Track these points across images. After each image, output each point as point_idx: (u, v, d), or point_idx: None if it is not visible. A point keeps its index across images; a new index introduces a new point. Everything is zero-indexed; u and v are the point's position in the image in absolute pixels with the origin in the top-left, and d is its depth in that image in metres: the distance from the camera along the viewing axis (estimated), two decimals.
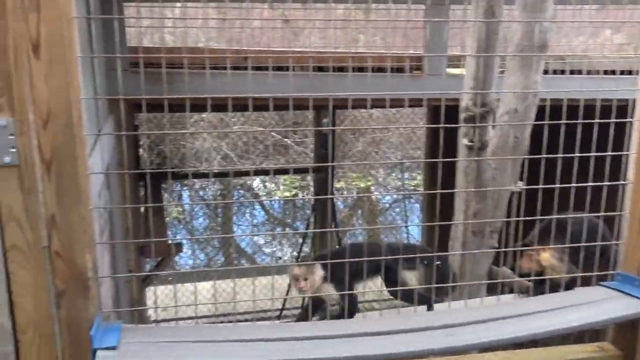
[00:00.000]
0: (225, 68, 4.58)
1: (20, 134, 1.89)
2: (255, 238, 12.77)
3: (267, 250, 12.69)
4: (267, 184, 13.44)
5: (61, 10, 1.86)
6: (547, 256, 3.00)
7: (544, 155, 2.67)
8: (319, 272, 2.84)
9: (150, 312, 7.29)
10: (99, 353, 2.03)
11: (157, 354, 2.11)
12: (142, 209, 6.54)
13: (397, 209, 13.82)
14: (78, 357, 2.09)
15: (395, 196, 13.86)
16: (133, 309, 2.31)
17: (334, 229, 8.28)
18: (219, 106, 6.49)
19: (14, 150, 1.90)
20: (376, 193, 13.85)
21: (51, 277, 2.02)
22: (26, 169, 1.93)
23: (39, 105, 1.89)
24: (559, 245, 2.93)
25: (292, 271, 2.83)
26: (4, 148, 1.89)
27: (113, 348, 2.07)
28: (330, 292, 2.82)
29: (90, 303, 2.08)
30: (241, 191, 13.23)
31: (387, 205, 14.49)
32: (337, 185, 13.18)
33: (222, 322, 2.60)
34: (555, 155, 2.66)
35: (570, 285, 2.95)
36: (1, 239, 1.96)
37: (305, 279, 2.78)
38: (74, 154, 1.95)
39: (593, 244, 2.86)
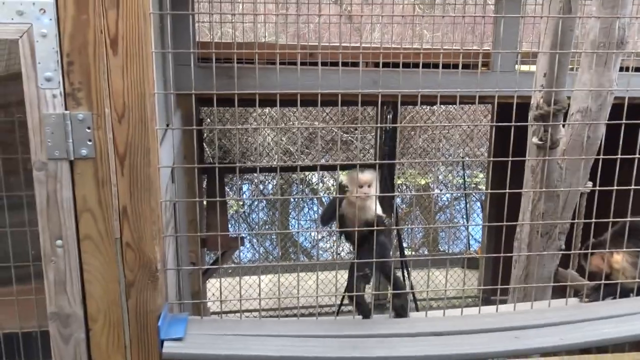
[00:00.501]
0: (288, 63, 4.61)
1: (97, 127, 1.95)
2: (313, 233, 12.82)
3: (324, 245, 12.71)
4: (325, 179, 13.46)
5: (139, 6, 1.90)
6: (619, 259, 2.90)
7: (619, 156, 2.58)
8: (376, 182, 2.69)
9: (210, 303, 7.42)
10: (166, 344, 2.08)
11: (223, 347, 2.14)
12: (205, 202, 6.65)
13: (458, 207, 13.62)
14: (145, 346, 2.15)
15: (455, 194, 13.67)
16: (197, 301, 2.34)
17: (393, 227, 8.22)
18: (284, 101, 6.53)
19: (91, 143, 1.96)
20: (437, 190, 13.69)
21: (122, 267, 2.08)
22: (101, 162, 1.99)
23: (116, 99, 1.94)
24: (634, 249, 2.82)
25: (359, 176, 2.62)
26: (81, 141, 1.94)
27: (179, 339, 2.11)
28: (378, 207, 2.64)
29: (158, 294, 2.13)
30: (300, 186, 13.29)
31: (447, 203, 14.31)
32: (398, 181, 13.09)
33: (285, 316, 2.60)
34: (629, 156, 2.57)
35: (625, 293, 2.86)
36: (76, 229, 2.03)
37: (369, 186, 2.62)
38: (146, 147, 2.00)
39: None
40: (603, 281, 2.81)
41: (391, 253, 2.74)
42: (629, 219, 2.70)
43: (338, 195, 2.68)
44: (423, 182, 13.60)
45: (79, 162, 1.97)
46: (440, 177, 13.83)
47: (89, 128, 1.94)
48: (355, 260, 2.60)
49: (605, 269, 2.89)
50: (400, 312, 2.64)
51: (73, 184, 1.99)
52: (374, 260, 2.51)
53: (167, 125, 2.94)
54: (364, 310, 2.59)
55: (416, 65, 4.56)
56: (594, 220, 2.77)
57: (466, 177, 12.23)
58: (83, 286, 2.09)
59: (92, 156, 1.97)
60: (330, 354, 2.19)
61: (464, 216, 12.44)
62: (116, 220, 2.05)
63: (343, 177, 2.76)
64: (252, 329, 2.32)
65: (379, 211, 2.64)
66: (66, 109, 1.93)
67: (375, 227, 2.57)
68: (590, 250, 2.95)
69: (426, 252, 12.24)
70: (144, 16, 1.92)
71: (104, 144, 1.97)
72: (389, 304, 2.65)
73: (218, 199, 2.54)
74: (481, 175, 13.16)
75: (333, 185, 12.70)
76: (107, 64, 1.91)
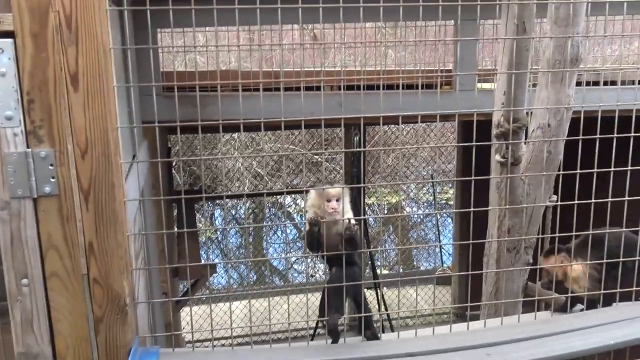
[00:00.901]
0: (256, 90, 4.65)
1: (60, 164, 1.94)
2: (288, 256, 12.79)
3: (299, 267, 12.69)
4: (298, 201, 13.48)
5: (99, 42, 1.91)
6: (578, 268, 2.93)
7: (579, 171, 2.64)
8: (348, 197, 2.65)
9: (185, 333, 7.34)
10: None
11: None
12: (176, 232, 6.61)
13: (429, 224, 13.73)
14: None
15: (426, 211, 13.78)
16: (169, 333, 2.32)
17: (365, 249, 8.24)
18: (251, 126, 6.55)
19: (54, 180, 1.95)
20: (407, 209, 13.78)
21: (90, 303, 2.06)
22: (65, 198, 1.98)
23: (78, 135, 1.94)
24: (593, 262, 2.87)
25: (328, 191, 2.58)
26: (44, 178, 1.94)
27: None
28: (352, 218, 2.59)
29: (128, 328, 2.11)
30: (272, 209, 13.29)
31: (419, 220, 14.41)
32: (368, 201, 13.16)
33: (256, 342, 2.59)
34: (589, 171, 2.63)
35: (591, 304, 2.90)
36: (42, 267, 2.01)
37: (338, 200, 2.58)
38: (111, 182, 2.00)
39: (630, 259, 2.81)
40: (569, 294, 2.86)
41: (362, 277, 2.73)
42: (590, 231, 2.76)
43: (315, 220, 2.60)
44: (394, 200, 13.69)
45: (43, 200, 1.96)
46: (411, 194, 13.94)
47: (51, 165, 1.94)
48: (327, 285, 2.61)
49: (560, 274, 2.93)
50: (372, 338, 2.65)
51: (37, 221, 1.98)
52: (347, 283, 2.51)
53: (134, 157, 2.93)
54: (333, 335, 2.58)
55: (390, 87, 4.61)
56: (557, 235, 2.82)
57: (436, 194, 12.35)
58: (51, 324, 2.06)
59: (56, 193, 1.96)
60: None
61: (435, 233, 12.53)
62: (82, 256, 2.03)
63: (312, 194, 2.70)
64: (224, 359, 2.31)
65: (352, 221, 2.61)
66: (28, 147, 1.92)
67: (344, 249, 2.55)
68: (558, 264, 2.98)
69: (400, 270, 12.29)
70: (104, 52, 1.93)
71: (67, 181, 1.96)
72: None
73: (185, 229, 2.52)
74: (452, 192, 13.30)
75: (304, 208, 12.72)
76: (68, 100, 1.91)
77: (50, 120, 1.91)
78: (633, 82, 4.92)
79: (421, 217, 14.19)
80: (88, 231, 2.01)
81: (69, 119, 1.92)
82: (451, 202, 13.03)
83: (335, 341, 2.57)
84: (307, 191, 2.76)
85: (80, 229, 2.01)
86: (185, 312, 7.75)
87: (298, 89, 4.54)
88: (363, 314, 2.62)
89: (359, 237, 2.64)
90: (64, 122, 1.92)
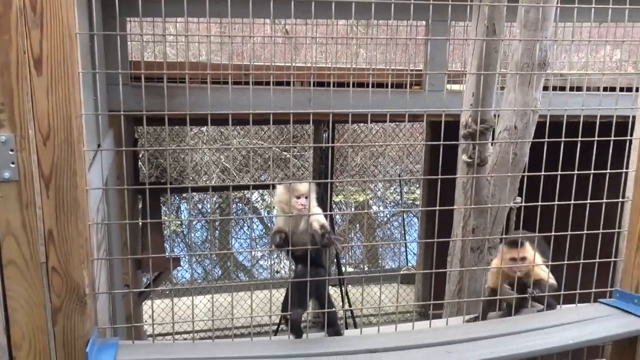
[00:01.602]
0: (225, 83, 4.61)
1: (20, 149, 1.90)
2: (253, 252, 12.74)
3: (265, 263, 12.66)
4: (265, 197, 13.44)
5: (64, 26, 1.87)
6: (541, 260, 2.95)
7: (543, 173, 2.67)
8: (314, 193, 2.62)
9: (147, 326, 7.26)
10: None
11: None
12: (140, 223, 6.53)
13: (396, 223, 13.83)
14: None
15: (393, 210, 13.86)
16: (129, 325, 2.29)
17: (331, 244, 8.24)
18: (219, 120, 6.50)
19: (14, 165, 1.90)
20: (375, 207, 13.85)
21: (48, 293, 2.01)
22: (25, 184, 1.93)
23: (40, 121, 1.89)
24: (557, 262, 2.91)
25: (296, 187, 2.56)
26: (4, 163, 1.89)
27: None
28: (320, 217, 2.57)
29: (87, 319, 2.08)
30: (240, 204, 13.21)
31: (386, 219, 14.50)
32: (336, 199, 13.19)
33: (218, 337, 2.56)
34: (554, 173, 2.67)
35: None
36: None
37: (307, 197, 2.55)
38: (73, 169, 1.95)
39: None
40: (531, 293, 2.89)
41: (327, 276, 2.72)
42: (552, 233, 2.79)
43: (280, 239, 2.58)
44: (361, 198, 13.74)
45: (2, 185, 1.91)
46: (378, 193, 14.00)
47: (12, 150, 1.89)
48: (291, 280, 2.60)
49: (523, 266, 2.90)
50: (334, 335, 2.65)
51: None
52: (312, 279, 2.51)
53: (98, 146, 2.89)
54: (296, 330, 2.57)
55: (360, 85, 4.62)
56: (521, 235, 2.86)
57: (403, 193, 12.42)
58: (7, 313, 2.01)
59: (16, 179, 1.91)
60: None
61: (401, 232, 12.62)
62: (42, 244, 1.99)
63: (279, 190, 2.66)
64: (184, 352, 2.28)
65: (323, 221, 2.58)
66: None
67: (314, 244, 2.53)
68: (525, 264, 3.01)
69: (366, 269, 12.35)
70: (69, 36, 1.89)
71: (27, 167, 1.92)
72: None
73: (148, 220, 2.49)
74: (418, 192, 13.39)
75: (272, 203, 12.68)
76: (31, 84, 1.87)
77: (11, 104, 1.86)
78: (598, 89, 5.01)
79: (387, 216, 14.27)
80: (48, 219, 1.97)
81: (31, 104, 1.88)
82: (418, 202, 13.13)
83: (298, 337, 2.56)
84: (274, 186, 2.74)
85: (40, 216, 1.96)
86: (147, 305, 7.68)
87: (268, 84, 4.52)
88: (326, 310, 2.62)
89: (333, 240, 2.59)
90: (25, 106, 1.87)
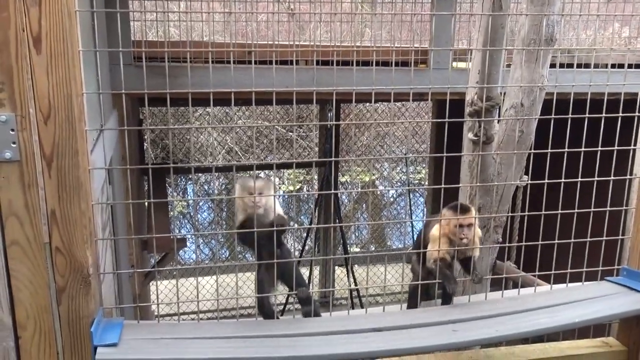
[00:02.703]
0: (229, 62, 4.57)
1: (21, 129, 1.88)
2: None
3: None
4: (271, 177, 13.43)
5: (63, 3, 1.84)
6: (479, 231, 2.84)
7: (550, 150, 2.64)
8: (272, 190, 2.57)
9: (154, 306, 7.30)
10: (99, 350, 2.02)
11: (158, 351, 2.10)
12: (146, 204, 6.54)
13: (402, 203, 13.81)
14: (79, 353, 2.09)
15: (399, 190, 13.83)
16: (134, 305, 2.29)
17: (337, 224, 8.26)
18: (223, 100, 6.47)
19: (15, 145, 1.89)
20: (380, 187, 13.82)
21: (52, 273, 2.01)
22: (27, 164, 1.92)
23: (40, 100, 1.88)
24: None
25: (248, 183, 2.51)
26: (5, 143, 1.88)
27: (114, 345, 2.05)
28: (280, 210, 2.55)
29: (91, 299, 2.07)
30: None
31: (392, 200, 14.47)
32: (342, 179, 13.17)
33: (224, 317, 2.56)
34: (560, 150, 2.63)
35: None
36: (1, 235, 1.96)
37: (261, 193, 2.49)
38: (74, 149, 1.94)
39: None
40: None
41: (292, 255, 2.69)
42: (559, 211, 2.77)
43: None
44: (367, 179, 13.72)
45: (3, 165, 1.90)
46: (384, 173, 13.97)
47: (12, 130, 1.87)
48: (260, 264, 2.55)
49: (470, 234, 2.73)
50: (310, 315, 2.62)
51: None
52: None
53: (102, 126, 2.87)
54: (267, 313, 2.55)
55: (365, 64, 4.58)
56: (527, 213, 2.83)
57: (409, 173, 12.39)
58: (11, 293, 2.01)
59: (17, 159, 1.90)
60: (268, 354, 2.17)
61: (407, 212, 12.60)
62: (45, 224, 1.98)
63: (236, 187, 2.62)
64: (189, 332, 2.28)
65: (280, 211, 2.56)
66: None
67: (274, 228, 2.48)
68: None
69: (372, 249, 12.36)
70: (68, 14, 1.86)
71: (29, 146, 1.91)
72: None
73: (152, 200, 2.47)
74: (424, 172, 13.36)
75: (279, 184, 12.69)
76: (31, 63, 1.85)
77: (11, 83, 1.85)
78: (606, 66, 4.96)
79: (394, 196, 14.25)
80: (51, 199, 1.96)
81: (32, 83, 1.86)
82: (424, 183, 13.10)
83: (270, 317, 2.54)
84: (278, 166, 2.72)
85: (42, 196, 1.95)
86: (155, 286, 7.72)
87: (271, 64, 4.49)
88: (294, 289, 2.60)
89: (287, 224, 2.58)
90: (25, 85, 1.85)
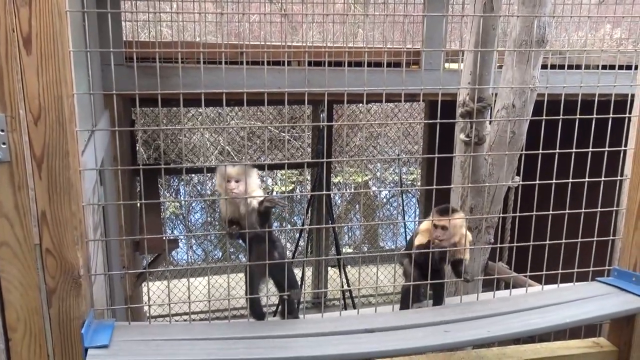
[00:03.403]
0: (221, 62, 4.56)
1: (11, 130, 1.87)
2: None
3: None
4: (264, 178, 13.42)
5: (53, 4, 1.83)
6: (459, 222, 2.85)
7: (541, 151, 2.65)
8: (255, 176, 2.48)
9: (146, 308, 7.28)
10: (90, 352, 2.02)
11: (149, 352, 2.09)
12: (139, 205, 6.51)
13: (395, 204, 13.83)
14: (69, 355, 2.08)
15: (392, 191, 13.85)
16: (125, 306, 2.28)
17: (330, 225, 8.26)
18: (215, 101, 6.46)
19: (5, 146, 1.88)
20: (374, 188, 13.83)
21: (42, 274, 2.00)
22: (17, 165, 1.91)
23: (31, 100, 1.87)
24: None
25: (227, 171, 2.42)
26: None
27: (104, 347, 2.05)
28: (260, 193, 2.47)
29: (82, 300, 2.07)
30: None
31: (385, 200, 14.49)
32: (335, 180, 13.18)
33: (216, 319, 2.56)
34: (552, 151, 2.64)
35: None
36: None
37: (238, 181, 2.42)
38: (65, 150, 1.93)
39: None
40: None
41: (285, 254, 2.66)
42: (550, 212, 2.78)
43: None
44: (360, 179, 13.72)
45: None
46: (377, 174, 13.98)
47: (2, 131, 1.86)
48: (248, 263, 2.53)
49: (458, 236, 2.75)
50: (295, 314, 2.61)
51: None
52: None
53: (93, 127, 2.86)
54: (258, 313, 2.54)
55: (358, 64, 4.58)
56: (518, 214, 2.84)
57: (402, 175, 12.40)
58: (1, 295, 2.00)
59: (7, 160, 1.89)
60: (260, 355, 2.17)
61: (400, 212, 12.61)
62: (35, 225, 1.97)
63: (217, 174, 2.54)
64: (181, 333, 2.27)
65: (259, 200, 2.47)
66: None
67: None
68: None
69: (365, 249, 12.37)
70: (59, 14, 1.85)
71: (19, 147, 1.90)
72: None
73: (143, 200, 2.46)
74: (417, 172, 13.37)
75: (272, 184, 12.68)
76: (21, 63, 1.84)
77: (1, 83, 1.83)
78: (597, 67, 4.98)
79: (387, 197, 14.26)
80: (41, 200, 1.95)
81: (22, 84, 1.85)
82: (417, 183, 13.11)
83: (261, 319, 2.52)
84: (270, 167, 2.71)
85: (32, 197, 1.94)
86: (147, 287, 7.70)
87: (263, 64, 4.48)
88: (285, 294, 2.55)
89: (271, 211, 2.51)
90: (15, 86, 1.84)
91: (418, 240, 2.79)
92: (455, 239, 2.74)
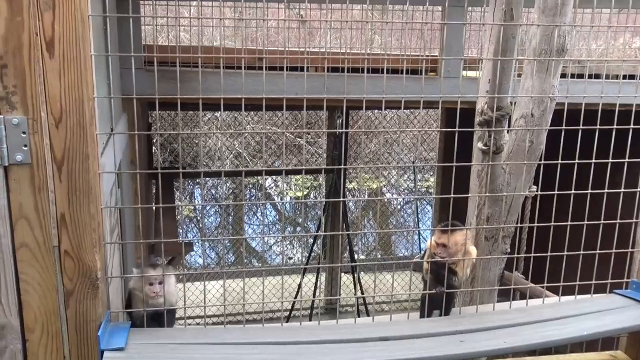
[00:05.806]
0: (240, 68, 4.58)
1: (32, 132, 1.89)
2: (266, 237, 12.77)
3: (277, 249, 12.69)
4: (279, 183, 13.45)
5: (76, 8, 1.85)
6: (474, 251, 2.86)
7: (560, 161, 2.63)
8: (173, 276, 2.46)
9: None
10: (106, 354, 2.02)
11: (165, 356, 2.10)
12: (154, 207, 6.55)
13: (409, 211, 13.79)
14: (86, 357, 2.09)
15: (406, 199, 13.81)
16: (141, 309, 2.30)
17: (346, 232, 8.25)
18: (233, 105, 6.49)
19: (26, 148, 1.90)
20: (388, 195, 13.81)
21: (60, 276, 2.02)
22: (38, 168, 1.93)
23: (52, 103, 1.89)
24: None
25: (147, 272, 2.37)
26: (16, 146, 1.89)
27: (120, 349, 2.05)
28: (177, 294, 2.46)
29: (99, 302, 2.08)
30: (253, 190, 13.22)
31: (399, 207, 14.45)
32: (349, 186, 13.17)
33: (230, 323, 2.56)
34: (570, 162, 2.62)
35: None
36: (11, 238, 1.96)
37: (161, 283, 2.39)
38: (85, 152, 1.95)
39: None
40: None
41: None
42: (569, 222, 2.75)
43: None
44: (375, 186, 13.70)
45: (14, 168, 1.91)
46: (392, 180, 13.96)
47: (24, 133, 1.88)
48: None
49: (460, 254, 2.76)
50: None
51: (8, 190, 1.93)
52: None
53: (112, 130, 2.89)
54: None
55: (375, 71, 4.58)
56: (536, 224, 2.82)
57: (417, 181, 12.36)
58: (19, 296, 2.02)
59: (28, 162, 1.91)
60: None
61: (415, 220, 12.57)
62: (54, 227, 1.99)
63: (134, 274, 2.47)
64: (196, 337, 2.28)
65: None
66: (0, 113, 1.87)
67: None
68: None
69: (379, 256, 12.33)
70: (81, 18, 1.87)
71: (40, 150, 1.91)
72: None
73: (160, 205, 2.47)
74: (432, 180, 13.34)
75: (287, 190, 12.71)
76: (43, 67, 1.86)
77: (24, 86, 1.85)
78: (617, 77, 4.94)
79: (401, 204, 14.23)
80: (60, 202, 1.97)
81: (44, 86, 1.87)
82: (431, 191, 13.07)
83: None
84: (287, 172, 2.72)
85: (52, 199, 1.96)
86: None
87: (282, 69, 4.50)
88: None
89: None
90: (38, 89, 1.86)
91: (427, 255, 2.85)
92: (459, 255, 2.76)
